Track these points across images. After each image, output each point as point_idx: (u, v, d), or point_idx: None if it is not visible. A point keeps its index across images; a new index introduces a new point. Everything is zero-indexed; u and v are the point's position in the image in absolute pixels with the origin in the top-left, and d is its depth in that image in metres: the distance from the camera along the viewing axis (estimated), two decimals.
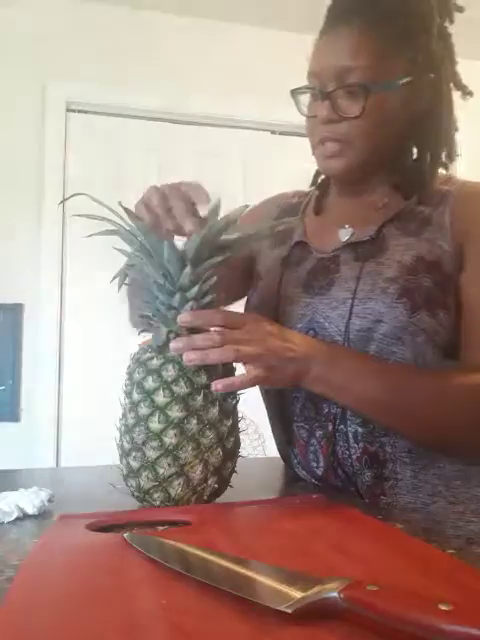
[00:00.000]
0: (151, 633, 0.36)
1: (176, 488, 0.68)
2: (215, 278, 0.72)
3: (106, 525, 0.62)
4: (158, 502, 0.69)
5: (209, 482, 0.69)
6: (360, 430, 0.82)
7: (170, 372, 0.69)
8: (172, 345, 0.70)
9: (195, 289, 0.70)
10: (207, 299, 0.72)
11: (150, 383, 0.69)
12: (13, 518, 0.64)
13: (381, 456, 0.82)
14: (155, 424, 0.68)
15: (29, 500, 0.66)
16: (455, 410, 0.78)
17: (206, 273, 0.71)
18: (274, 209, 1.03)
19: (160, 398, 0.68)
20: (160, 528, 0.62)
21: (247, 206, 0.75)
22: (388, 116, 0.83)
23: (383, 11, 0.81)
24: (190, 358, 0.69)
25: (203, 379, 0.70)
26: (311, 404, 0.86)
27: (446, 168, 0.90)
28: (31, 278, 2.44)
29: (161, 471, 0.68)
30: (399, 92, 0.82)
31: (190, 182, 0.75)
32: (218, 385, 0.70)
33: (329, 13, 0.85)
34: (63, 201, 0.82)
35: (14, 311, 2.40)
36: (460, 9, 0.87)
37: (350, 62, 0.80)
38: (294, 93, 0.87)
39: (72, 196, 0.78)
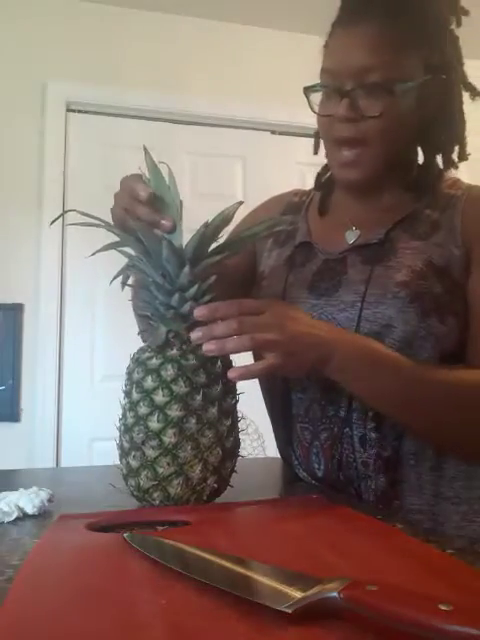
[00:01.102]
0: (151, 633, 0.36)
1: (175, 487, 0.68)
2: (214, 277, 0.72)
3: (106, 525, 0.61)
4: (157, 501, 0.69)
5: (208, 481, 0.69)
6: (373, 435, 0.81)
7: (169, 371, 0.69)
8: (192, 335, 0.69)
9: (194, 288, 0.70)
10: (206, 298, 0.72)
11: (149, 382, 0.69)
12: (13, 518, 0.64)
13: (393, 460, 0.82)
14: (154, 423, 0.68)
15: (29, 500, 0.66)
16: (470, 408, 0.78)
17: (205, 272, 0.71)
18: (279, 207, 1.02)
19: (159, 397, 0.68)
20: (160, 528, 0.62)
21: (242, 202, 0.74)
22: (405, 116, 0.82)
23: (402, 10, 0.81)
24: (208, 349, 0.67)
25: (202, 378, 0.69)
26: (317, 406, 0.85)
27: (456, 167, 0.90)
28: (31, 278, 2.44)
29: (160, 470, 0.68)
30: (415, 92, 0.82)
31: (128, 182, 0.74)
32: (233, 373, 0.69)
33: (344, 8, 0.84)
34: (54, 221, 0.82)
35: (14, 311, 2.40)
36: (466, 12, 0.88)
37: (370, 60, 0.79)
38: (307, 91, 0.86)
39: (62, 214, 0.80)
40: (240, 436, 0.76)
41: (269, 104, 2.66)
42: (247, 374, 0.70)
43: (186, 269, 0.69)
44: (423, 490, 0.82)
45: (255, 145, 2.74)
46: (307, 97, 0.86)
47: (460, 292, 0.82)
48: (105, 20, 2.58)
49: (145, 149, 0.72)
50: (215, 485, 0.70)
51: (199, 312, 0.69)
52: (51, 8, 2.53)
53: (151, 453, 0.68)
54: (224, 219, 0.72)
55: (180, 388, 0.68)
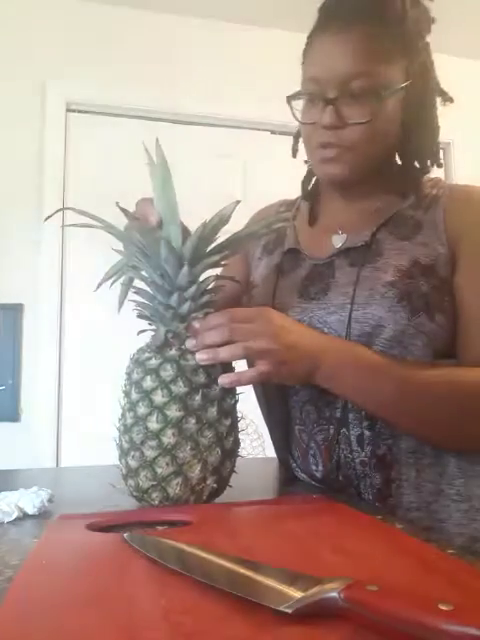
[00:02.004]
0: (151, 633, 0.36)
1: (174, 488, 0.68)
2: (213, 277, 0.73)
3: (106, 525, 0.61)
4: (157, 501, 0.69)
5: (208, 482, 0.69)
6: (367, 433, 0.82)
7: (168, 372, 0.69)
8: (187, 343, 0.71)
9: (193, 289, 0.70)
10: (205, 298, 0.72)
11: (148, 383, 0.69)
12: (13, 518, 0.64)
13: (388, 458, 0.82)
14: (153, 424, 0.68)
15: (29, 500, 0.66)
16: (463, 406, 0.78)
17: (203, 272, 0.72)
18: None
19: (158, 398, 0.68)
20: (160, 528, 0.62)
21: (239, 202, 0.74)
22: (389, 121, 0.84)
23: (383, 18, 0.82)
24: (201, 358, 0.69)
25: (201, 378, 0.70)
26: (313, 408, 0.86)
27: (427, 171, 0.92)
28: (31, 278, 2.44)
29: (159, 470, 0.68)
30: (397, 98, 0.84)
31: (142, 206, 0.75)
32: (225, 379, 0.70)
33: (323, 17, 0.85)
34: (48, 217, 0.82)
35: (14, 311, 2.40)
36: (433, 20, 0.88)
37: (355, 68, 0.80)
38: (289, 100, 0.86)
39: (57, 212, 0.80)
40: (240, 436, 0.76)
41: (269, 104, 2.65)
42: (238, 381, 0.71)
43: (185, 269, 0.69)
44: (422, 487, 0.82)
45: (255, 145, 2.74)
46: (290, 105, 0.87)
47: (447, 289, 0.83)
48: (105, 20, 2.58)
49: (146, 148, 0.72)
50: (215, 485, 0.70)
51: (193, 327, 0.71)
52: (51, 8, 2.53)
53: (150, 453, 0.68)
54: (222, 219, 0.73)
55: (179, 388, 0.68)
